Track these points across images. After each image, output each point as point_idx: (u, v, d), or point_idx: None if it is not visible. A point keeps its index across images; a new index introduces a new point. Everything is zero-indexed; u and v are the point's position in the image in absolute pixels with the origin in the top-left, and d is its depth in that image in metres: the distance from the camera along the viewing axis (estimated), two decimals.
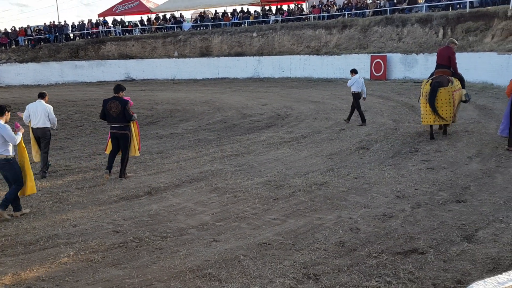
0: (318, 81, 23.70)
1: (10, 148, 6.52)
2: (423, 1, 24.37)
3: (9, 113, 6.72)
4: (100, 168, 9.22)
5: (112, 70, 29.82)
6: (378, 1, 26.12)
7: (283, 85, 23.10)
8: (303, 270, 4.71)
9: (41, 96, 8.80)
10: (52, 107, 8.85)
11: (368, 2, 26.72)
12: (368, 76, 22.79)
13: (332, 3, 27.85)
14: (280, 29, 27.64)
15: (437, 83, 10.01)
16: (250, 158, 9.44)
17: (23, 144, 6.81)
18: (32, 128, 8.66)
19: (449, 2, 22.80)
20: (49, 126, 8.69)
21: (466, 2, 21.38)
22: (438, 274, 4.50)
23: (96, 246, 5.48)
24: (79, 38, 32.94)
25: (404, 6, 24.28)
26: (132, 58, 30.43)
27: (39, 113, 8.57)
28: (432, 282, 4.37)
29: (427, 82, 10.42)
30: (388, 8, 24.65)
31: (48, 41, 31.86)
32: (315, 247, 5.21)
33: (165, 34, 31.25)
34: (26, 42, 31.85)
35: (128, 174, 8.58)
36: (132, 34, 32.77)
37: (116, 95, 8.17)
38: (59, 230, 6.06)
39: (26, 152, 6.87)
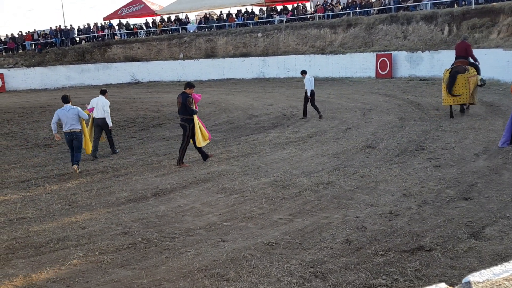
0: (324, 81, 23.68)
1: (80, 124, 9.15)
2: None
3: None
4: (108, 170, 9.31)
5: (118, 73, 29.99)
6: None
7: (289, 85, 23.12)
8: (311, 268, 4.74)
9: (103, 92, 10.80)
10: (109, 102, 10.66)
11: (373, 0, 26.66)
12: (373, 75, 22.77)
13: (336, 2, 27.82)
14: (285, 29, 27.66)
15: (455, 72, 11.88)
16: (256, 159, 9.49)
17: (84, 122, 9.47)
18: (93, 118, 10.53)
19: None
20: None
21: None
22: (445, 271, 4.51)
23: (105, 248, 5.55)
24: (85, 42, 33.15)
25: (409, 3, 24.21)
26: (138, 61, 30.58)
27: (100, 106, 10.41)
28: (439, 279, 4.38)
29: (448, 70, 12.18)
30: (392, 6, 24.59)
31: (55, 45, 32.09)
32: (322, 246, 5.24)
33: (170, 36, 31.38)
34: (33, 47, 32.11)
35: (186, 164, 9.33)
36: (138, 36, 32.94)
37: (184, 90, 9.25)
38: (68, 232, 6.14)
39: (85, 126, 9.54)
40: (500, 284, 0.91)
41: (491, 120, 11.53)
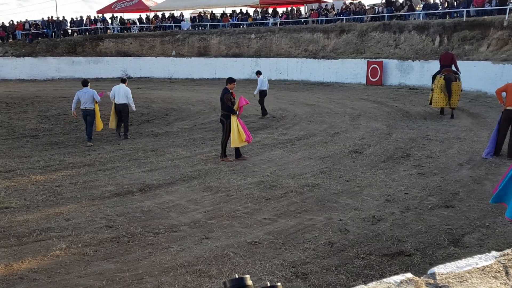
0: (315, 85, 23.83)
1: (93, 104, 10.99)
2: (421, 8, 24.55)
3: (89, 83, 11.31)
4: (94, 164, 9.28)
5: (109, 67, 29.80)
6: (376, 7, 26.29)
7: (280, 87, 23.19)
8: (292, 268, 4.79)
9: (123, 81, 11.99)
10: (130, 90, 11.84)
11: (366, 7, 26.89)
12: (364, 81, 22.96)
13: (330, 7, 28.01)
14: (278, 32, 27.75)
15: (449, 78, 13.37)
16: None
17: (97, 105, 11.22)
18: (115, 103, 11.72)
19: (446, 11, 23.00)
20: (127, 103, 11.65)
21: (463, 11, 21.58)
22: None
23: (89, 240, 5.55)
24: (77, 34, 32.90)
25: (402, 12, 24.46)
26: (130, 56, 30.41)
27: (121, 93, 11.60)
28: None
29: (440, 77, 13.64)
30: (386, 14, 24.82)
31: (46, 36, 31.79)
32: (304, 247, 5.30)
33: (164, 33, 31.27)
34: (24, 37, 31.77)
35: (229, 158, 9.36)
36: (131, 31, 32.77)
37: (225, 86, 9.24)
38: (52, 223, 6.12)
39: (98, 108, 11.23)
40: (462, 276, 0.97)
41: (477, 131, 11.71)
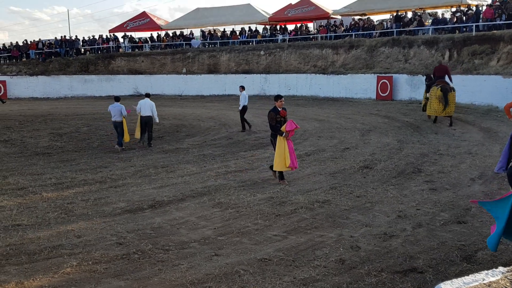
0: (324, 100, 23.85)
1: (121, 117, 12.57)
2: (430, 23, 24.59)
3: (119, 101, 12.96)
4: (106, 181, 9.34)
5: (121, 85, 30.16)
6: (385, 23, 26.38)
7: (289, 103, 23.16)
8: (303, 286, 4.75)
9: (147, 95, 13.43)
10: (154, 103, 13.14)
11: (375, 23, 26.99)
12: (374, 96, 22.94)
13: (339, 23, 28.16)
14: (287, 48, 27.94)
15: (445, 90, 14.56)
16: (253, 174, 9.53)
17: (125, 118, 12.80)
18: (141, 116, 12.93)
19: (455, 25, 23.00)
20: (152, 115, 12.95)
21: (472, 25, 21.57)
22: None
23: (99, 257, 5.56)
24: (90, 53, 33.41)
25: (411, 28, 24.51)
26: (141, 74, 30.79)
27: (147, 107, 12.92)
28: None
29: (437, 88, 14.73)
30: (394, 30, 24.89)
31: (59, 55, 32.33)
32: (315, 264, 5.26)
33: (174, 51, 31.65)
34: (37, 56, 32.34)
35: (282, 181, 8.73)
36: (142, 50, 33.22)
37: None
38: (63, 240, 6.15)
39: (125, 122, 12.85)
40: None
41: (488, 145, 11.61)
